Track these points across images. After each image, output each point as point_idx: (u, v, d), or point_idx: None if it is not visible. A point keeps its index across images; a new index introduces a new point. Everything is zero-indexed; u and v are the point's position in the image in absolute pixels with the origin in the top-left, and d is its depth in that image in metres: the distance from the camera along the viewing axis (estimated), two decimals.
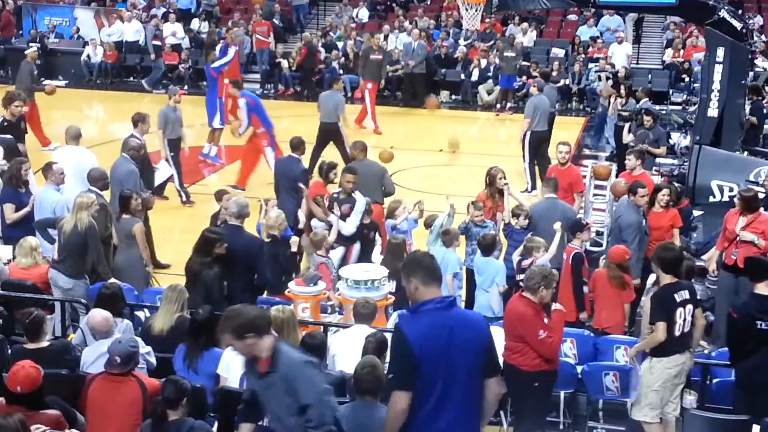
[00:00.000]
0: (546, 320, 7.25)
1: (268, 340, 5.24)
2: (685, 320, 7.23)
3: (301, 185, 10.87)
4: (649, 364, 7.36)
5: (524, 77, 22.87)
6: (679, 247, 8.53)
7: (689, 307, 7.27)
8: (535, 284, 7.21)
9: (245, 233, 8.50)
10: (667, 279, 7.31)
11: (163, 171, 11.60)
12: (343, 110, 16.13)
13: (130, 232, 9.65)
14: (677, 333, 7.19)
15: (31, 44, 22.80)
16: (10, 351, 7.03)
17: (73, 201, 9.28)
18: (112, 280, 8.74)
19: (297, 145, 11.67)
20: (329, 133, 15.83)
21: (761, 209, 9.78)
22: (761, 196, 10.49)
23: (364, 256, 10.05)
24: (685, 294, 7.27)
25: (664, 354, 7.23)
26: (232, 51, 18.25)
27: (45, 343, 7.01)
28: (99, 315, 7.01)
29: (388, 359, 5.24)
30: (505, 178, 10.86)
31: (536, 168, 15.11)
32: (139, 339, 7.01)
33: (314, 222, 10.50)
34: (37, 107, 17.15)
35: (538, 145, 15.09)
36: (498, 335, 8.03)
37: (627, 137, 15.20)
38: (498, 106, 23.04)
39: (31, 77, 17.63)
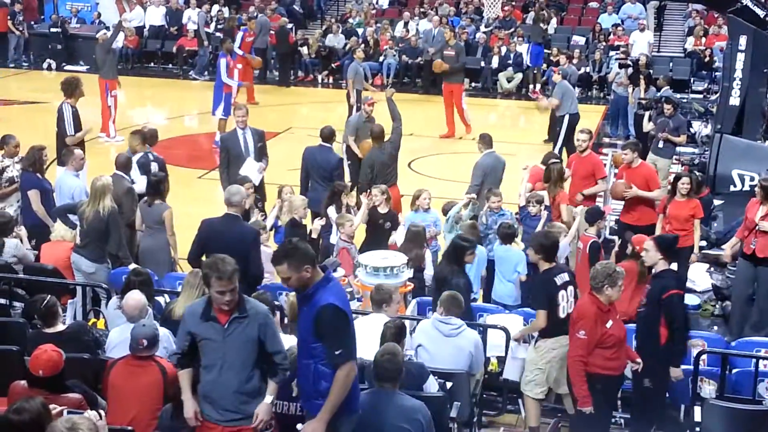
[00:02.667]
0: (610, 323, 6.95)
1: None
2: (568, 301, 7.50)
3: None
4: (533, 345, 7.63)
5: (544, 64, 22.84)
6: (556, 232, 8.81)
7: (570, 288, 7.57)
8: (598, 283, 6.94)
9: (240, 223, 8.33)
10: (546, 265, 7.61)
11: (249, 167, 11.33)
12: (356, 76, 17.59)
13: (160, 218, 9.64)
14: (562, 315, 7.43)
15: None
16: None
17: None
18: (133, 265, 8.78)
19: (329, 135, 11.73)
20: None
21: None
22: None
23: (377, 246, 9.93)
24: (565, 276, 7.59)
25: (549, 335, 7.46)
26: (223, 61, 17.92)
27: (62, 327, 7.08)
28: (132, 299, 7.05)
29: (328, 337, 5.39)
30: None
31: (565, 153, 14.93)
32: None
33: (330, 211, 10.49)
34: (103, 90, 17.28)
35: (573, 129, 14.72)
36: (516, 322, 8.12)
37: (647, 126, 15.13)
38: (531, 87, 23.20)
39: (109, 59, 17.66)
